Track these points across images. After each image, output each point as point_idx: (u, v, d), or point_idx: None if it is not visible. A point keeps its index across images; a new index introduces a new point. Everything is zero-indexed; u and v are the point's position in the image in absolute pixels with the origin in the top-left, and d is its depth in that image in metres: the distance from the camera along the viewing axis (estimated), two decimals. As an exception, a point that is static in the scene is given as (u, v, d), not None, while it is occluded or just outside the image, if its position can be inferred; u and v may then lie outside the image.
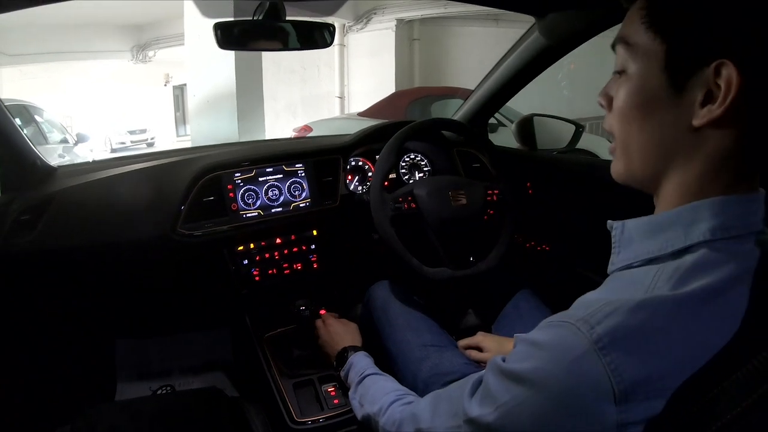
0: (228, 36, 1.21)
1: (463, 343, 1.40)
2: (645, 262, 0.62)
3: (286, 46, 1.28)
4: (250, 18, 1.23)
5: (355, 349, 1.36)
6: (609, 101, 0.67)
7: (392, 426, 0.96)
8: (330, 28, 1.31)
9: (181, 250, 1.47)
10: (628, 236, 0.65)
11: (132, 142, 14.01)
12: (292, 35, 1.27)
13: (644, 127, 0.62)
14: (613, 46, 0.65)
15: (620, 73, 0.64)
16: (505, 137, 2.04)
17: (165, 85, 15.38)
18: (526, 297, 1.52)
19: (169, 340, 1.95)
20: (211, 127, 6.99)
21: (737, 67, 0.53)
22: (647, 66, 0.60)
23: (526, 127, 1.96)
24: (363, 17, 9.61)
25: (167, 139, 14.83)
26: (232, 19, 1.20)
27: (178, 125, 15.29)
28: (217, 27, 1.19)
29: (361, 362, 1.28)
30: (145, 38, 11.41)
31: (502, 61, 1.69)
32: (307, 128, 6.09)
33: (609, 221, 0.68)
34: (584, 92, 8.40)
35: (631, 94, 0.62)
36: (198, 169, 1.47)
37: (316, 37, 1.30)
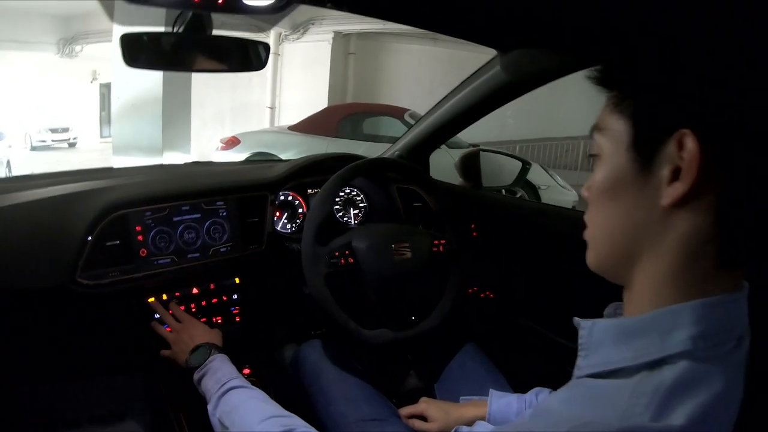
0: (136, 51, 0.97)
1: (405, 412, 1.25)
2: (614, 372, 0.55)
3: (209, 68, 1.07)
4: (169, 30, 1.00)
5: (218, 348, 1.15)
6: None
7: None
8: (264, 47, 1.11)
9: (81, 302, 1.23)
10: (598, 339, 0.59)
11: (53, 140, 13.49)
12: (219, 54, 1.06)
13: (612, 212, 0.59)
14: (591, 134, 0.63)
15: (595, 156, 0.62)
16: (437, 158, 1.91)
17: (91, 83, 14.65)
18: (472, 354, 1.41)
19: (77, 385, 1.69)
20: (134, 132, 6.71)
21: (698, 138, 0.50)
22: (615, 147, 0.58)
23: (472, 162, 1.85)
24: (300, 27, 9.39)
25: (91, 139, 14.18)
26: (142, 30, 0.97)
27: (103, 125, 14.60)
28: (124, 39, 0.96)
29: (223, 368, 1.08)
30: (73, 31, 10.84)
31: (453, 93, 1.55)
32: (234, 140, 5.85)
33: (576, 318, 0.62)
34: (515, 117, 8.59)
35: (602, 178, 0.60)
36: (100, 206, 1.22)
37: (248, 57, 1.09)
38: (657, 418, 0.48)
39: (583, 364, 0.59)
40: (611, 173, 0.58)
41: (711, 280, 0.53)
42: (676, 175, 0.52)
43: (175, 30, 1.00)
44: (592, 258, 0.64)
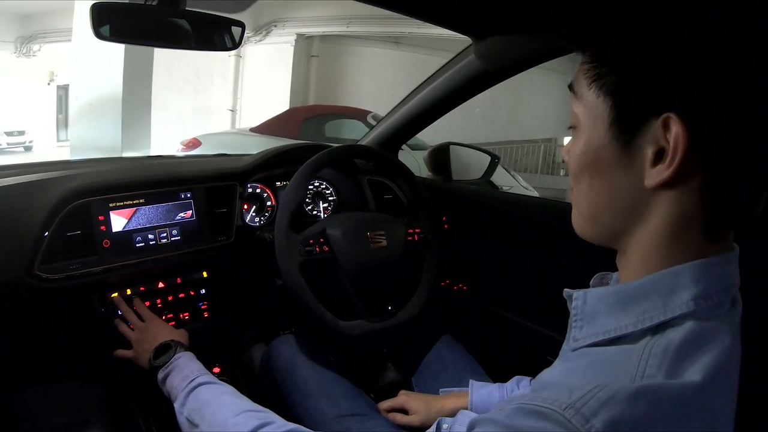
0: (105, 21, 0.91)
1: (385, 405, 1.23)
2: (615, 339, 0.54)
3: (181, 44, 1.01)
4: (140, 2, 0.96)
5: (183, 347, 1.10)
6: None
7: None
8: (240, 26, 1.06)
9: (38, 297, 1.15)
10: (592, 308, 0.58)
11: (8, 144, 12.84)
12: (191, 30, 1.01)
13: (594, 187, 0.58)
14: (571, 87, 0.61)
15: (572, 128, 0.61)
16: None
17: (49, 84, 14.12)
18: (448, 345, 1.39)
19: (35, 392, 1.59)
20: (93, 134, 6.46)
21: (684, 122, 0.49)
22: (593, 124, 0.56)
23: (441, 155, 1.84)
24: (263, 29, 9.28)
25: (47, 143, 13.63)
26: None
27: (60, 129, 14.04)
28: (95, 8, 0.90)
29: (190, 365, 1.03)
30: (32, 30, 10.39)
31: (426, 84, 1.53)
32: (195, 142, 5.70)
33: (566, 290, 0.62)
34: (477, 120, 8.68)
35: (580, 153, 0.58)
36: (61, 193, 1.14)
37: (221, 35, 1.04)
38: (672, 376, 0.47)
39: (579, 335, 0.58)
40: (590, 149, 0.57)
41: (702, 246, 0.53)
42: (659, 155, 0.51)
43: (147, 2, 0.95)
44: (577, 226, 0.63)
